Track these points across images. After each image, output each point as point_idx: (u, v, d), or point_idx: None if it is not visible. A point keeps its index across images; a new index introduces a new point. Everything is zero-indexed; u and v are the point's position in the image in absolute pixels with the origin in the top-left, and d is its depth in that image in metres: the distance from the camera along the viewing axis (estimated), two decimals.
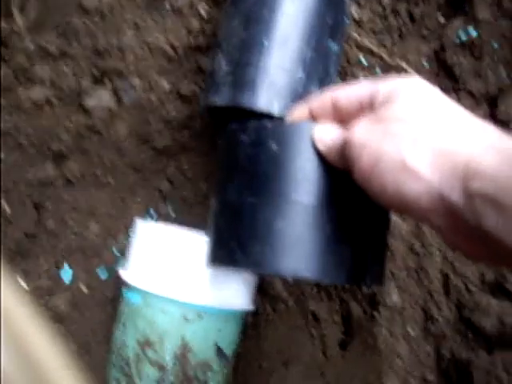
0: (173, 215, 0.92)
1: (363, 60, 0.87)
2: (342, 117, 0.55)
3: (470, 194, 0.39)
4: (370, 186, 0.47)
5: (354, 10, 0.87)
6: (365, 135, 0.48)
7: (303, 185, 0.55)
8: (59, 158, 0.82)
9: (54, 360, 0.25)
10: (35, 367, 0.24)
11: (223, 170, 0.64)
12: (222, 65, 0.75)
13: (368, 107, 0.51)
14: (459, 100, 0.78)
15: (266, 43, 0.73)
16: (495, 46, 0.76)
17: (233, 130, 0.64)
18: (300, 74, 0.74)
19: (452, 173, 0.40)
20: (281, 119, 0.66)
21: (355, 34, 0.87)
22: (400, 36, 0.87)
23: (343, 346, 0.85)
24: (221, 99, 0.75)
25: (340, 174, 0.54)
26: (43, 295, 0.80)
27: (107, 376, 0.76)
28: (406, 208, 0.44)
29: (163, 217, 0.92)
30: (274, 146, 0.57)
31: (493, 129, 0.43)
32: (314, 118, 0.59)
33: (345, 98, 0.54)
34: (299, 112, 0.61)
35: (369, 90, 0.52)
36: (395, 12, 0.87)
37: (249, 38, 0.75)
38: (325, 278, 0.55)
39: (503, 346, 0.70)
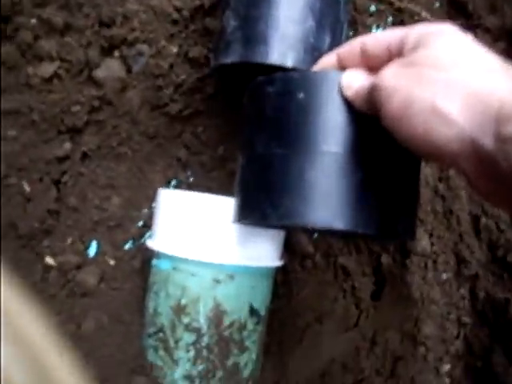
0: (192, 181, 0.92)
1: (373, 7, 0.85)
2: (371, 63, 0.54)
3: (503, 138, 0.39)
4: (400, 130, 0.46)
5: None
6: (395, 79, 0.47)
7: (332, 134, 0.55)
8: (74, 132, 0.82)
9: (55, 357, 0.25)
10: (35, 364, 0.24)
11: (250, 123, 0.63)
12: (231, 21, 0.74)
13: (397, 53, 0.51)
14: (475, 37, 0.77)
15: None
16: None
17: (259, 82, 0.63)
18: (310, 23, 0.73)
19: (484, 117, 0.40)
20: (307, 69, 0.65)
21: None
22: None
23: (376, 297, 0.85)
24: (232, 57, 0.74)
25: (369, 122, 0.54)
26: (70, 270, 0.81)
27: (143, 345, 0.77)
28: (436, 153, 0.44)
29: (183, 184, 0.91)
30: (301, 96, 0.56)
31: None
32: (342, 65, 0.58)
33: (373, 44, 0.53)
34: (327, 60, 0.60)
35: (398, 36, 0.51)
36: None
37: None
38: (356, 228, 0.55)
39: None
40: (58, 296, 0.78)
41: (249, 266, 0.72)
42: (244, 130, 0.65)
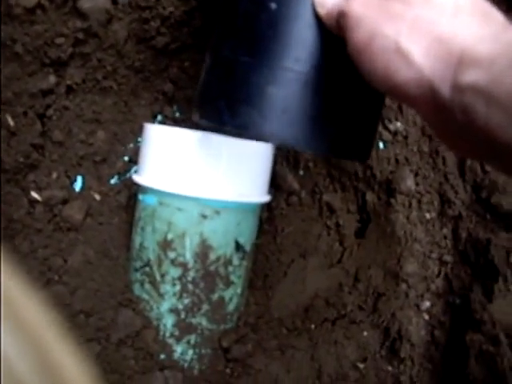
0: (178, 116, 0.93)
1: None
2: None
3: (460, 87, 0.38)
4: (361, 62, 0.45)
5: None
6: (363, 8, 0.45)
7: (298, 50, 0.54)
8: (58, 65, 0.81)
9: (56, 341, 0.25)
10: (36, 350, 0.24)
11: (221, 25, 0.62)
12: None
13: None
14: None
15: None
16: None
17: None
18: None
19: (445, 61, 0.39)
20: None
21: None
22: None
23: (360, 234, 0.87)
24: None
25: (337, 44, 0.53)
26: (56, 205, 0.81)
27: (130, 279, 0.79)
28: (395, 92, 0.44)
29: (169, 119, 0.92)
30: (273, 6, 0.56)
31: (500, 18, 0.41)
32: None
33: None
34: None
35: None
36: None
37: None
38: (307, 147, 0.56)
39: None
40: (45, 231, 0.79)
41: (235, 201, 0.73)
42: (215, 31, 0.64)
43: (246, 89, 0.56)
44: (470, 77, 0.37)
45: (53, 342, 0.25)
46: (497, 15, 0.42)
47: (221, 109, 0.58)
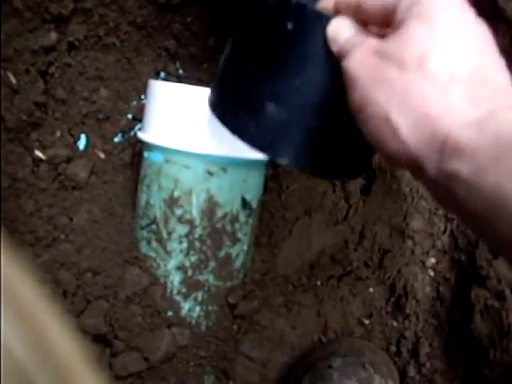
0: (182, 73, 0.92)
1: None
2: (365, 18, 0.50)
3: (444, 172, 0.38)
4: (357, 122, 0.45)
5: None
6: (360, 68, 0.45)
7: (305, 76, 0.54)
8: (60, 21, 0.80)
9: (57, 329, 0.25)
10: (36, 336, 0.24)
11: (244, 19, 0.62)
12: None
13: (392, 15, 0.46)
14: None
15: None
16: None
17: None
18: None
19: (430, 142, 0.39)
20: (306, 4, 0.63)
21: None
22: None
23: (365, 191, 0.88)
24: None
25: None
26: (60, 163, 0.82)
27: (136, 237, 0.79)
28: (386, 158, 0.44)
29: (172, 75, 0.91)
30: (289, 26, 0.55)
31: (498, 83, 0.40)
32: (337, 11, 0.53)
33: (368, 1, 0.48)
34: (324, 3, 0.56)
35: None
36: None
37: None
38: (298, 166, 0.57)
39: None
40: (49, 189, 0.80)
41: (241, 158, 0.73)
42: (236, 27, 0.64)
43: (247, 96, 0.56)
44: (452, 165, 0.37)
45: (52, 329, 0.25)
46: (495, 80, 0.40)
47: (225, 107, 0.59)
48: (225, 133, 0.71)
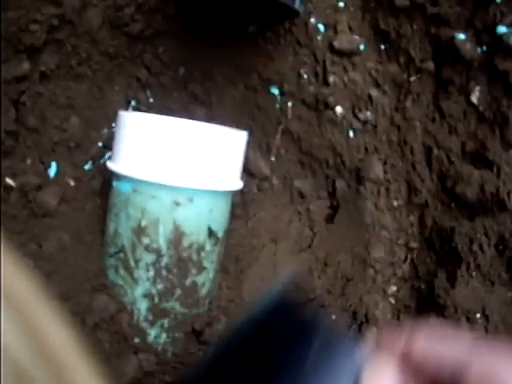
0: (152, 101, 0.94)
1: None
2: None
3: None
4: None
5: None
6: None
7: None
8: (33, 51, 0.82)
9: (55, 327, 0.25)
10: (34, 335, 0.24)
11: None
12: None
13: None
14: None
15: None
16: None
17: None
18: None
19: None
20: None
21: None
22: None
23: (330, 220, 0.90)
24: None
25: None
26: (31, 191, 0.83)
27: (104, 265, 0.81)
28: None
29: (143, 104, 0.93)
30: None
31: None
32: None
33: (430, 362, 0.35)
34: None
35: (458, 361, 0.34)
36: None
37: None
38: None
39: (483, 213, 0.75)
40: (19, 216, 0.81)
41: (207, 189, 0.75)
42: None
43: None
44: None
45: (51, 328, 0.25)
46: None
47: None
48: (192, 164, 0.73)
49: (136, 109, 0.93)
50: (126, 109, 0.92)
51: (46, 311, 0.26)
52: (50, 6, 0.82)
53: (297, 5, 0.78)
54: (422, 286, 0.83)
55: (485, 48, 0.75)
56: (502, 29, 0.73)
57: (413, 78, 0.82)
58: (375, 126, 0.85)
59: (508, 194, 0.73)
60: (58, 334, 0.26)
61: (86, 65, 0.87)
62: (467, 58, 0.76)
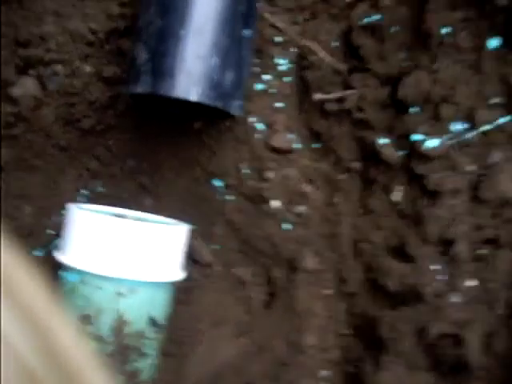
0: (102, 190, 1.00)
1: (277, 38, 0.95)
2: None
3: None
4: None
5: None
6: None
7: None
8: None
9: (57, 322, 0.25)
10: (37, 328, 0.23)
11: None
12: (142, 53, 0.83)
13: None
14: (365, 80, 0.87)
15: (182, 32, 0.81)
16: (395, 30, 0.85)
17: None
18: (215, 60, 0.82)
19: None
20: None
21: (268, 13, 0.95)
22: (312, 14, 0.95)
23: (267, 307, 0.96)
24: (142, 88, 0.82)
25: None
26: None
27: None
28: None
29: (93, 193, 0.99)
30: None
31: None
32: None
33: None
34: None
35: None
36: None
37: (165, 27, 0.82)
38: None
39: (404, 304, 0.82)
40: None
41: (150, 281, 0.81)
42: None
43: None
44: None
45: (54, 322, 0.25)
46: None
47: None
48: (134, 257, 0.79)
49: (87, 198, 0.99)
50: (77, 198, 0.98)
51: (56, 316, 0.25)
52: (7, 104, 0.88)
53: (234, 109, 0.85)
54: (352, 371, 0.89)
55: (404, 152, 0.84)
56: (416, 136, 0.81)
57: (342, 176, 0.90)
58: (308, 220, 0.92)
59: (425, 286, 0.80)
60: (69, 339, 0.25)
61: (39, 157, 0.93)
62: (388, 161, 0.84)
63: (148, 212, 0.94)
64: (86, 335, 0.81)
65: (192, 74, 0.80)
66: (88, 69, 0.91)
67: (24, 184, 0.93)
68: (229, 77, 0.84)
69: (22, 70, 0.88)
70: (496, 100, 0.79)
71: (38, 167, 0.94)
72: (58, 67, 0.89)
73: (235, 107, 0.86)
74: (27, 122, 0.90)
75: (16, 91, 0.88)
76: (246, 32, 0.86)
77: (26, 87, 0.88)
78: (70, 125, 0.93)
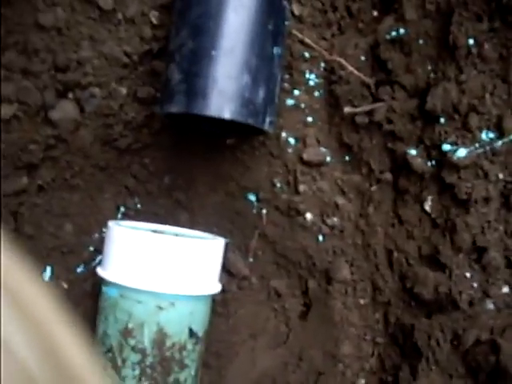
0: (140, 207, 1.04)
1: (306, 54, 0.97)
2: None
3: None
4: None
5: (295, 7, 0.97)
6: None
7: None
8: (31, 167, 0.92)
9: (59, 327, 0.25)
10: (38, 333, 0.24)
11: None
12: (175, 74, 0.86)
13: None
14: (393, 92, 0.90)
15: (213, 53, 0.84)
16: (421, 42, 0.87)
17: None
18: (246, 79, 0.85)
19: None
20: None
21: (297, 30, 0.97)
22: (339, 29, 0.98)
23: (303, 317, 0.98)
24: (176, 108, 0.85)
25: None
26: None
27: None
28: None
29: (131, 210, 1.03)
30: None
31: None
32: None
33: None
34: None
35: None
36: (334, 7, 0.98)
37: (197, 48, 0.85)
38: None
39: (439, 311, 0.84)
40: None
41: (189, 294, 0.84)
42: None
43: None
44: None
45: (56, 328, 0.25)
46: None
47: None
48: (173, 271, 0.82)
49: (125, 215, 1.02)
50: (116, 215, 1.01)
51: (57, 320, 0.25)
52: (47, 127, 0.92)
53: (266, 126, 0.88)
54: (389, 379, 0.90)
55: (434, 162, 0.85)
56: (446, 146, 0.83)
57: (374, 188, 0.92)
58: (342, 231, 0.94)
59: (459, 293, 0.82)
60: (69, 343, 0.25)
61: (78, 177, 0.97)
62: (419, 171, 0.86)
63: (184, 227, 0.97)
64: (87, 341, 0.84)
65: (224, 93, 0.83)
66: (124, 90, 0.95)
67: (65, 203, 0.97)
68: (260, 94, 0.86)
69: (62, 94, 0.92)
70: None
71: (77, 186, 0.97)
72: (95, 90, 0.93)
73: (267, 123, 0.89)
74: (66, 144, 0.93)
75: (55, 114, 0.91)
76: (276, 49, 0.88)
77: (65, 110, 0.92)
78: (108, 145, 0.97)
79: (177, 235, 0.90)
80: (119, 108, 0.95)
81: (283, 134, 0.97)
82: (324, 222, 0.95)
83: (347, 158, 0.96)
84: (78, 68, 0.92)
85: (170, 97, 0.86)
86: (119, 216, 1.03)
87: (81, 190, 0.98)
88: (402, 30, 0.89)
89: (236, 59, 0.85)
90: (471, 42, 0.82)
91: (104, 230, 1.00)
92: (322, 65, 0.98)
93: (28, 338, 0.23)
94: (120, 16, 0.94)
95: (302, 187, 0.96)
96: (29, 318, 0.24)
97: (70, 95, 0.93)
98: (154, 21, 0.95)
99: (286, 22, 0.92)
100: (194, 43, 0.85)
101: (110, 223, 0.88)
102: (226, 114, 0.84)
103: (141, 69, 0.96)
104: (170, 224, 0.97)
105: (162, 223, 0.97)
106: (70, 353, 0.25)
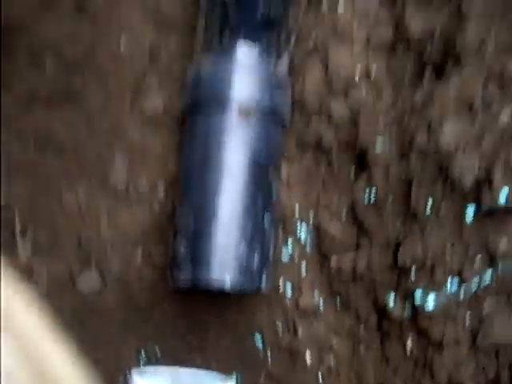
0: (158, 353, 1.17)
1: (294, 211, 1.12)
2: None
3: None
4: None
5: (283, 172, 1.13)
6: None
7: None
8: None
9: (55, 352, 0.26)
10: (36, 359, 0.25)
11: None
12: (181, 248, 1.01)
13: None
14: (371, 246, 1.04)
15: (213, 230, 0.99)
16: (390, 202, 1.02)
17: None
18: (243, 248, 1.00)
19: None
20: None
21: (285, 189, 1.13)
22: (323, 187, 1.13)
23: None
24: (183, 283, 1.01)
25: None
26: None
27: None
28: None
29: (151, 355, 1.16)
30: None
31: None
32: None
33: None
34: None
35: None
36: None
37: (197, 225, 1.00)
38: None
39: None
40: None
41: None
42: None
43: None
44: None
45: (51, 353, 0.25)
46: None
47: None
48: None
49: (146, 359, 1.15)
50: (138, 359, 1.14)
51: (51, 344, 0.26)
52: (74, 296, 1.07)
53: (263, 288, 1.03)
54: None
55: (410, 309, 0.99)
56: (418, 293, 0.96)
57: (362, 330, 1.06)
58: (336, 369, 1.07)
59: None
60: (62, 366, 0.26)
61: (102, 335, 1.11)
62: (395, 317, 0.99)
63: (199, 368, 1.10)
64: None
65: (224, 264, 0.98)
66: (139, 258, 1.10)
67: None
68: (256, 258, 1.01)
69: (85, 267, 1.08)
70: (479, 258, 0.94)
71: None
72: (115, 262, 1.08)
73: (263, 282, 1.03)
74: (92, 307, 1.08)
75: (81, 285, 1.07)
76: (268, 212, 1.03)
77: (88, 281, 1.07)
78: (129, 305, 1.11)
79: (193, 375, 1.03)
80: (137, 274, 1.10)
81: (280, 284, 1.11)
82: (321, 361, 1.08)
83: (338, 303, 1.09)
84: (99, 245, 1.08)
85: (178, 268, 1.01)
86: (140, 362, 1.16)
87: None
88: (373, 190, 1.03)
89: (233, 231, 1.00)
90: (430, 203, 0.96)
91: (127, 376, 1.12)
92: (310, 219, 1.12)
93: (24, 362, 0.24)
94: (132, 193, 1.10)
95: (300, 330, 1.09)
96: (24, 344, 0.25)
97: (94, 268, 1.08)
98: (162, 197, 1.11)
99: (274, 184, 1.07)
100: (194, 221, 1.01)
101: (133, 370, 1.00)
102: (227, 286, 0.98)
103: (153, 237, 1.12)
104: (186, 366, 1.10)
105: (179, 365, 1.09)
106: (62, 374, 0.26)
